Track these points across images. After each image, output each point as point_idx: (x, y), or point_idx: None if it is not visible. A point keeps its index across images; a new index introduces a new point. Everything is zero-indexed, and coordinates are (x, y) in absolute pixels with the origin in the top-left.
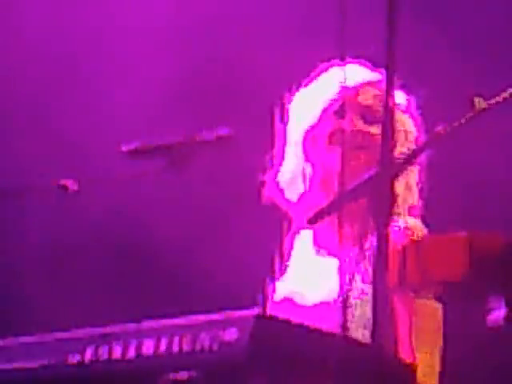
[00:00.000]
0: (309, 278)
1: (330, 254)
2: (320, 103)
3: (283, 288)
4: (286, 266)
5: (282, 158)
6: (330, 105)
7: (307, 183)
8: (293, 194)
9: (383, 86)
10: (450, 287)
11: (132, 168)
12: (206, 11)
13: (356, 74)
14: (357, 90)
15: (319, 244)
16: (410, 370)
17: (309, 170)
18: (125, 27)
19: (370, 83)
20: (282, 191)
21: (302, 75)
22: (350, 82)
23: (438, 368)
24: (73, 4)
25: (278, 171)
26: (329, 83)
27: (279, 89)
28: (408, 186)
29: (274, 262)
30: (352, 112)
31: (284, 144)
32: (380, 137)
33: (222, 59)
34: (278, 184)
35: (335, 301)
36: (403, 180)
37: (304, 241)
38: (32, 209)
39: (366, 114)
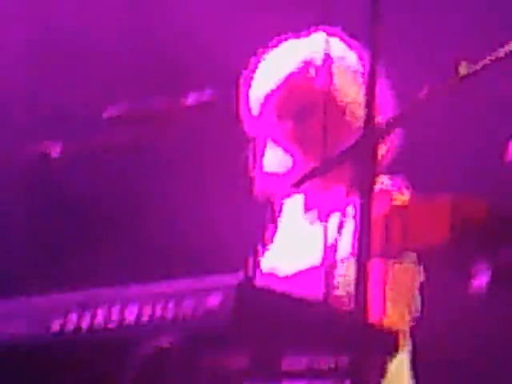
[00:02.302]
0: (296, 243)
1: (319, 218)
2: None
3: (268, 260)
4: (273, 236)
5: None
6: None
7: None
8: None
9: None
10: (433, 252)
11: (114, 134)
12: None
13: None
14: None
15: (308, 209)
16: (392, 337)
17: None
18: None
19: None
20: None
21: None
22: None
23: (407, 323)
24: None
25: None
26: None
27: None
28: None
29: (261, 231)
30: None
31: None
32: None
33: (198, 25)
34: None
35: (320, 266)
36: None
37: (293, 208)
38: (12, 175)
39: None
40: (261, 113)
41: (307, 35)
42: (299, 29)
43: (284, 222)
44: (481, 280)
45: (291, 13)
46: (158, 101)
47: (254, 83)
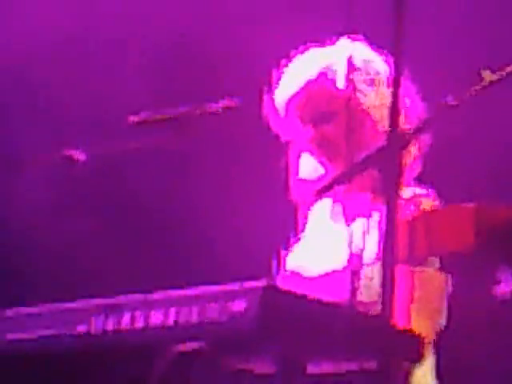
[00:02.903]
0: (322, 246)
1: (345, 222)
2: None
3: (293, 259)
4: (299, 238)
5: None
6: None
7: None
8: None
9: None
10: (458, 259)
11: (139, 139)
12: None
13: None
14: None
15: (335, 212)
16: (417, 341)
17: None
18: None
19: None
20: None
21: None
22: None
23: (431, 334)
24: None
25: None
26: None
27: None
28: (411, 156)
29: (286, 233)
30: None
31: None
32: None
33: (226, 31)
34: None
35: (345, 269)
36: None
37: (320, 211)
38: (38, 179)
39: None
40: (286, 115)
41: (332, 43)
42: (325, 37)
43: (311, 224)
44: (506, 287)
45: (317, 21)
46: (183, 106)
47: (279, 87)
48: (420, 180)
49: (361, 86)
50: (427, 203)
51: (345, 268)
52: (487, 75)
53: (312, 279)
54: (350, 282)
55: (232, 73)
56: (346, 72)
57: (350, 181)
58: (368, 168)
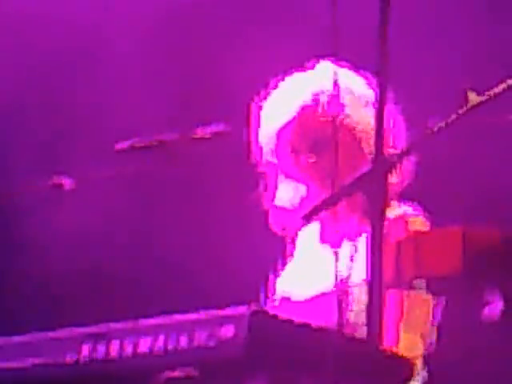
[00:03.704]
0: (310, 269)
1: (331, 245)
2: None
3: (282, 284)
4: (287, 263)
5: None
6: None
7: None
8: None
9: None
10: (446, 281)
11: (127, 166)
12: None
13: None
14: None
15: (323, 236)
16: (408, 364)
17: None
18: (117, 25)
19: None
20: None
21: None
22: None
23: (418, 351)
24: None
25: (273, 197)
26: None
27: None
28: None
29: (274, 259)
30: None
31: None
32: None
33: (212, 56)
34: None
35: (333, 292)
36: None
37: (308, 235)
38: (27, 208)
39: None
40: (273, 150)
41: (313, 67)
42: (305, 61)
43: (299, 248)
44: (493, 308)
45: (296, 46)
46: (169, 133)
47: (263, 121)
48: (407, 197)
49: (348, 109)
50: (415, 222)
51: (332, 291)
52: (473, 97)
53: (301, 303)
54: (337, 305)
55: (217, 101)
56: (334, 95)
57: (336, 205)
58: (354, 192)
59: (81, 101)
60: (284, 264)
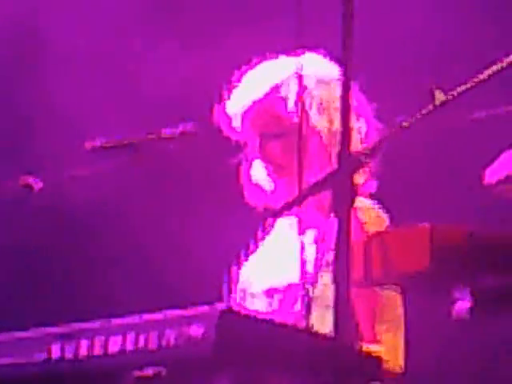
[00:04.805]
0: (276, 260)
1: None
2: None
3: (247, 272)
4: (253, 252)
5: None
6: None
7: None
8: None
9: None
10: (414, 279)
11: (96, 165)
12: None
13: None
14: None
15: (301, 231)
16: (375, 362)
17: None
18: (81, 21)
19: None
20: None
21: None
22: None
23: (401, 349)
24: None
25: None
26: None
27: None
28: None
29: (240, 252)
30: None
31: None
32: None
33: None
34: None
35: (297, 285)
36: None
37: (280, 229)
38: None
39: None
40: (241, 125)
41: (287, 57)
42: (279, 51)
43: (270, 238)
44: (462, 306)
45: (268, 36)
46: (138, 132)
47: (232, 98)
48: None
49: (312, 108)
50: (371, 213)
51: (297, 283)
52: (439, 95)
53: (267, 292)
54: (302, 296)
55: (187, 98)
56: (297, 92)
57: (302, 203)
58: (320, 191)
59: (48, 101)
60: (248, 254)
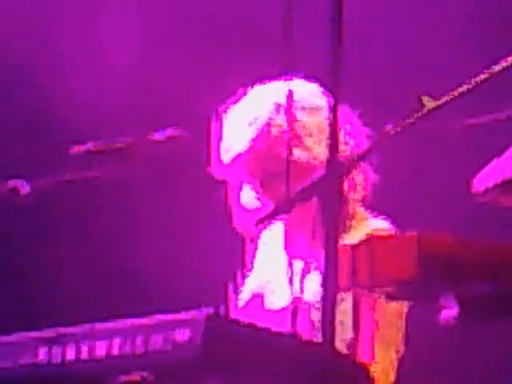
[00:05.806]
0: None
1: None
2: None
3: (249, 286)
4: (250, 267)
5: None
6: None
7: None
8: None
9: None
10: (401, 287)
11: (82, 169)
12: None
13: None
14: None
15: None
16: (362, 370)
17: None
18: (70, 25)
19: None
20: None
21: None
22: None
23: (393, 366)
24: None
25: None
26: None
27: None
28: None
29: (234, 266)
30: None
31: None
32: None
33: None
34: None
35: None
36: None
37: (268, 243)
38: None
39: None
40: (231, 165)
41: (274, 79)
42: (265, 76)
43: (262, 251)
44: (448, 313)
45: (254, 57)
46: (125, 137)
47: (223, 140)
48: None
49: (303, 135)
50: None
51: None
52: (428, 102)
53: (269, 311)
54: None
55: (177, 103)
56: (287, 118)
57: (290, 210)
58: (308, 197)
59: (35, 103)
60: (246, 265)
